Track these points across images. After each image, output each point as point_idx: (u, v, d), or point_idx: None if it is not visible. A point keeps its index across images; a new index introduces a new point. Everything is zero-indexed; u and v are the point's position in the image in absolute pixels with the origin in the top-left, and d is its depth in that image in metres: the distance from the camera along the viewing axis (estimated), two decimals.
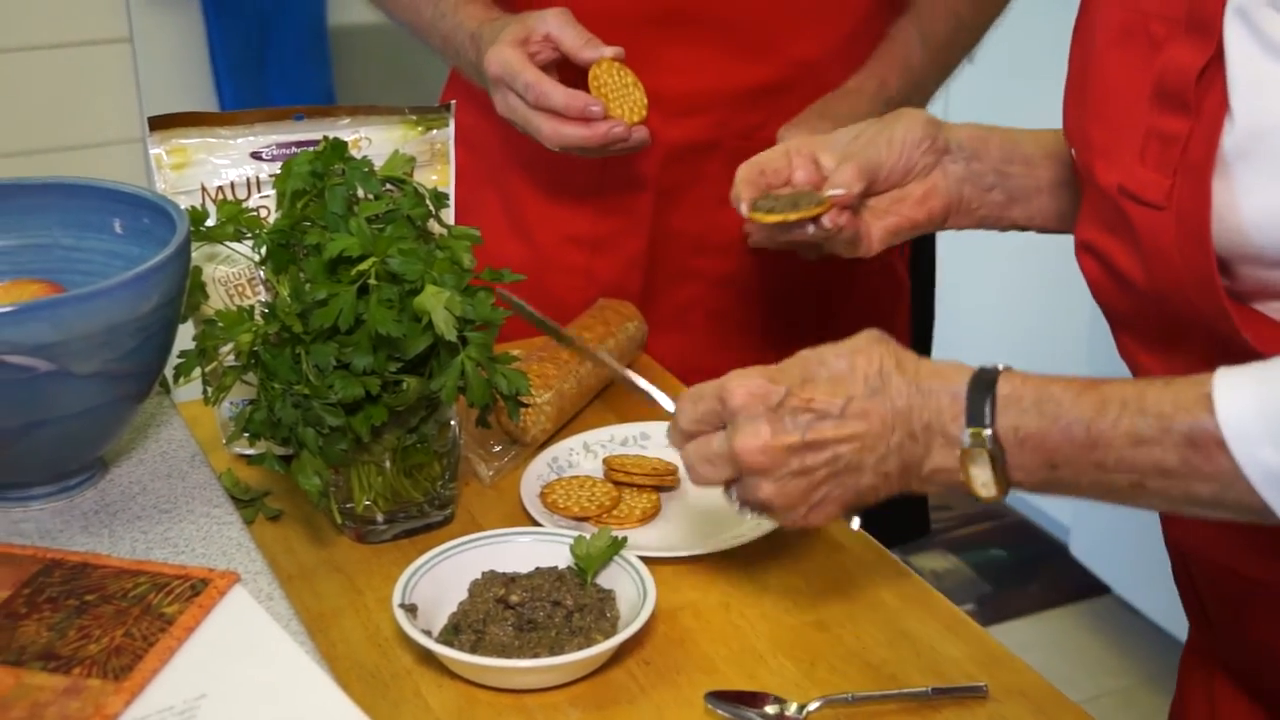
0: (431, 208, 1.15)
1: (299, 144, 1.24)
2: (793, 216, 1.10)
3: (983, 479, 0.89)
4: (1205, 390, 0.81)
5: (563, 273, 1.52)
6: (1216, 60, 0.84)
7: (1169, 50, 0.88)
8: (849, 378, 0.92)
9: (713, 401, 0.96)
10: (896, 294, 1.64)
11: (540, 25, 1.33)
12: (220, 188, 1.23)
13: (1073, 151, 1.01)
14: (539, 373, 1.30)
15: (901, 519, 1.68)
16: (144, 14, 3.04)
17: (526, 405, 1.19)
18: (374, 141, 1.26)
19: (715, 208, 1.42)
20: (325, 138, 1.15)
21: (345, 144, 1.15)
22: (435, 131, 1.29)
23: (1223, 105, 0.84)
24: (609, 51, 1.32)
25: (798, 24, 1.42)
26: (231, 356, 1.11)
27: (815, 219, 1.11)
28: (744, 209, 1.13)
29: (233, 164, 1.23)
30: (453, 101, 1.29)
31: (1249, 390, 0.80)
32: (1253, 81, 0.83)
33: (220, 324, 1.09)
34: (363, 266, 1.05)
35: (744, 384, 0.94)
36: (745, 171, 1.15)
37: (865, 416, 0.91)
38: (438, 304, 1.05)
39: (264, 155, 1.24)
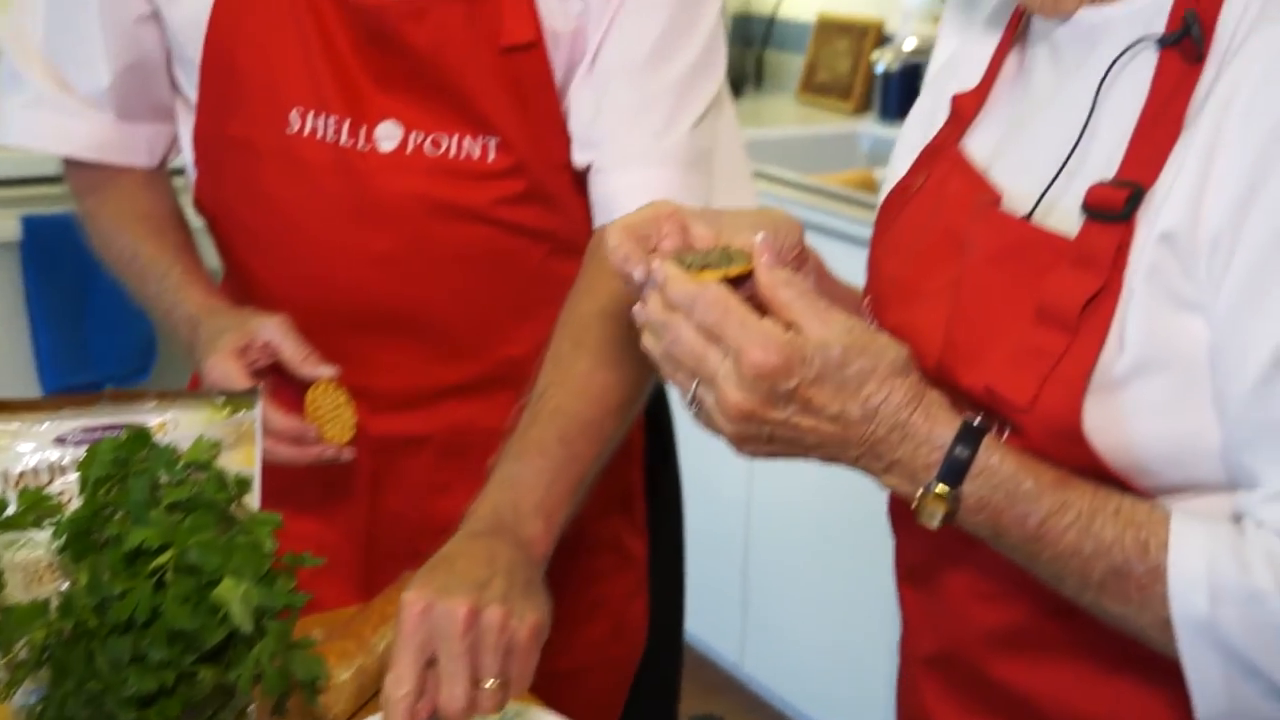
0: (234, 493, 1.18)
1: (105, 428, 1.26)
2: (732, 271, 1.01)
3: (932, 517, 0.95)
4: (1155, 536, 0.91)
5: (295, 540, 1.53)
6: (1103, 292, 0.92)
7: (1055, 276, 0.95)
8: (854, 394, 0.94)
9: (727, 325, 0.94)
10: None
11: (261, 332, 1.38)
12: (22, 473, 1.24)
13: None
14: (339, 650, 1.31)
15: None
16: None
17: (323, 691, 1.21)
18: (181, 424, 1.28)
19: (430, 495, 1.48)
20: (129, 425, 1.18)
21: (149, 432, 1.17)
22: (242, 413, 1.31)
23: (1102, 330, 0.92)
24: (326, 371, 1.38)
25: (505, 324, 1.48)
26: (24, 651, 1.12)
27: (747, 277, 1.01)
28: (623, 270, 1.05)
29: (36, 448, 1.24)
30: (260, 385, 1.33)
31: (1201, 544, 0.89)
32: (1154, 328, 0.91)
33: (13, 620, 1.10)
34: (161, 559, 1.07)
35: (765, 354, 0.92)
36: (616, 234, 1.07)
37: (845, 429, 0.95)
38: (235, 596, 1.07)
39: (68, 440, 1.26)
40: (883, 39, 3.63)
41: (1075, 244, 0.94)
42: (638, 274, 1.03)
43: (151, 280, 1.51)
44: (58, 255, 2.89)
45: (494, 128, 1.40)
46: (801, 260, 1.12)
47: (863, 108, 3.66)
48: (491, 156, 1.41)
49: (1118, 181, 0.94)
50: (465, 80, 1.39)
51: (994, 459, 0.94)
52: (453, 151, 1.41)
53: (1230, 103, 0.88)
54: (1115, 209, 0.92)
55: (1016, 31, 1.10)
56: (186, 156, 1.52)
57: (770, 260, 0.98)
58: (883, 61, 3.52)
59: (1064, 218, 0.97)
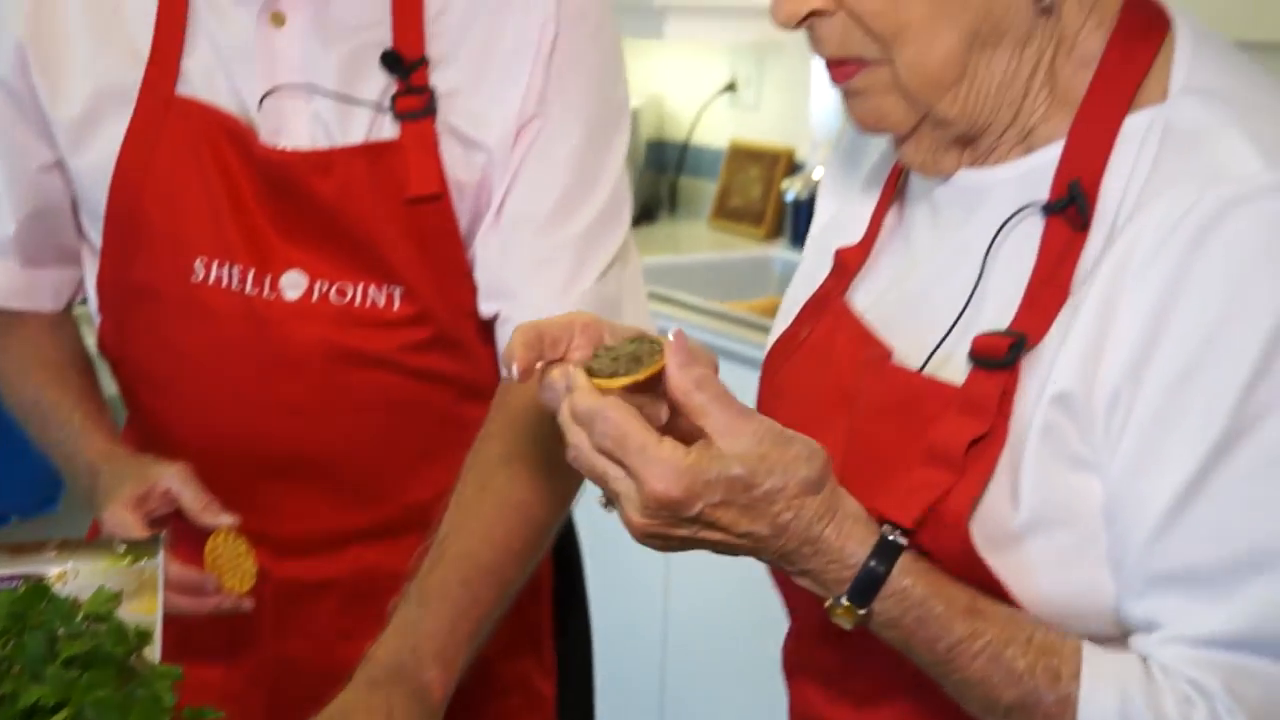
0: (134, 645, 1.17)
1: (3, 580, 1.25)
2: (642, 375, 0.99)
3: (843, 623, 0.95)
4: (1067, 665, 0.91)
5: (197, 688, 1.52)
6: (989, 436, 0.94)
7: (943, 421, 0.97)
8: (762, 514, 0.94)
9: (626, 451, 0.94)
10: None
11: (160, 481, 1.37)
12: None
13: None
14: None
15: None
16: None
17: None
18: (81, 573, 1.27)
19: (336, 640, 1.46)
20: (27, 577, 1.17)
21: (48, 585, 1.16)
22: (144, 561, 1.30)
23: (986, 472, 0.94)
24: (225, 520, 1.37)
25: (412, 469, 1.48)
26: None
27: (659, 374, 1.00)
28: (515, 371, 1.04)
29: None
30: (162, 533, 1.32)
31: (1113, 680, 0.90)
32: (1050, 487, 0.93)
33: None
34: (57, 718, 1.07)
35: (665, 486, 0.92)
36: (523, 335, 1.06)
37: (755, 543, 0.95)
38: None
39: None
40: (793, 167, 3.71)
41: (962, 391, 0.97)
42: (507, 371, 1.03)
43: (53, 427, 1.50)
44: None
45: (399, 277, 1.42)
46: None
47: (774, 234, 3.73)
48: (397, 305, 1.42)
49: (1004, 331, 0.96)
50: (370, 231, 1.41)
51: (906, 581, 0.94)
52: (358, 300, 1.42)
53: (1124, 271, 0.91)
54: (999, 355, 0.95)
55: (896, 189, 1.13)
56: (91, 302, 1.51)
57: (683, 360, 0.96)
58: (793, 189, 3.59)
59: (955, 372, 0.99)
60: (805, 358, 1.11)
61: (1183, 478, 0.89)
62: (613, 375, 0.99)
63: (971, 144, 1.03)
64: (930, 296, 1.04)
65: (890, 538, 0.94)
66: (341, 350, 1.42)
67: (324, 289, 1.42)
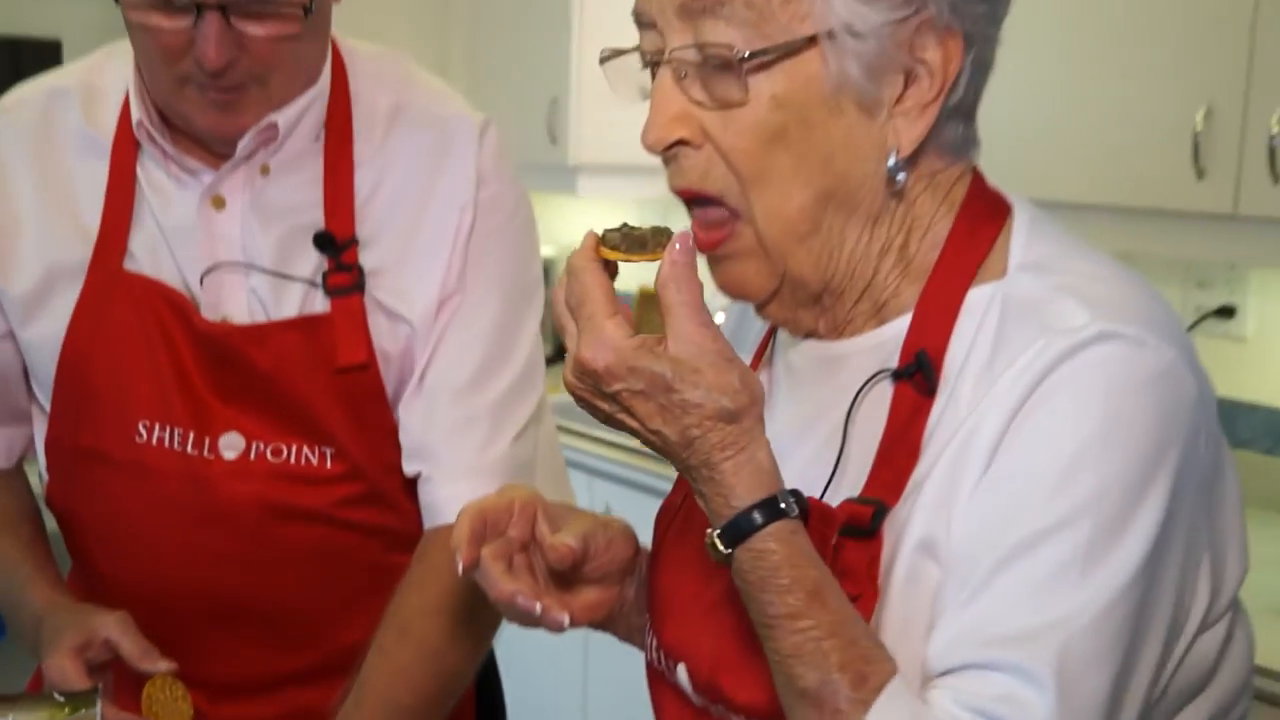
0: None
1: None
2: (635, 258, 0.96)
3: (711, 552, 0.91)
4: (877, 677, 0.87)
5: None
6: (861, 598, 0.92)
7: None
8: (674, 420, 0.90)
9: (581, 311, 0.92)
10: None
11: (101, 629, 1.35)
12: None
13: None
14: None
15: None
16: None
17: None
18: None
19: None
20: None
21: None
22: (83, 712, 1.27)
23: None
24: (163, 666, 1.35)
25: (342, 613, 1.46)
26: None
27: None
28: (460, 564, 1.03)
29: None
30: (100, 685, 1.29)
31: (904, 710, 0.87)
32: (912, 617, 0.92)
33: None
34: None
35: (591, 355, 0.91)
36: (469, 525, 1.05)
37: (663, 443, 0.91)
38: None
39: None
40: None
41: (834, 563, 0.95)
42: (461, 562, 1.02)
43: (1, 576, 1.47)
44: None
45: (330, 438, 1.41)
46: (633, 565, 1.13)
47: None
48: (329, 464, 1.42)
49: (863, 499, 0.95)
50: (303, 397, 1.40)
51: (771, 545, 0.90)
52: (292, 459, 1.41)
53: (977, 425, 0.91)
54: (864, 525, 0.94)
55: (764, 356, 1.13)
56: (40, 459, 1.49)
57: (679, 258, 0.92)
58: None
59: None
60: (680, 526, 1.10)
61: (982, 575, 0.88)
62: (615, 249, 0.96)
63: (827, 310, 1.02)
64: (790, 459, 1.01)
65: (781, 504, 0.90)
66: (276, 506, 1.41)
67: (260, 449, 1.41)
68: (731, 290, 1.01)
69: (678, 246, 0.92)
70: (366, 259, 1.41)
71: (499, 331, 1.44)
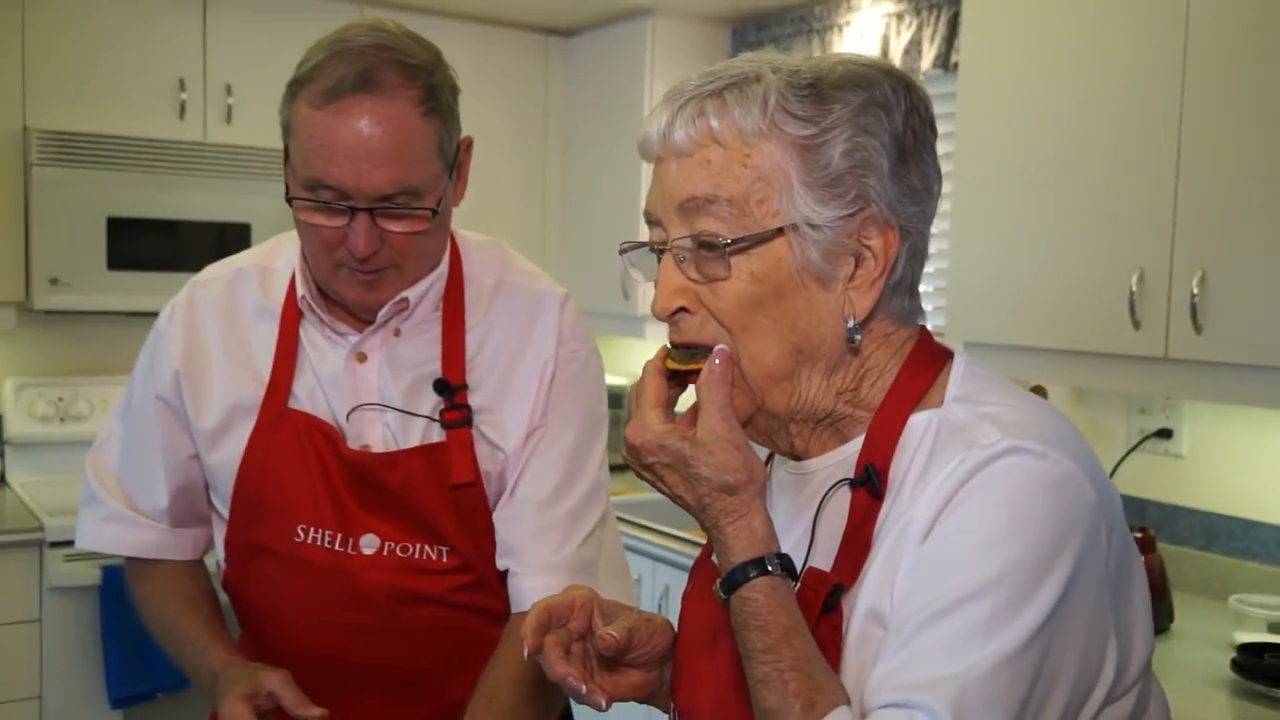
0: None
1: None
2: (684, 367, 1.00)
3: (717, 596, 0.95)
4: (823, 705, 0.87)
5: None
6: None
7: None
8: (691, 489, 0.96)
9: (636, 404, 0.99)
10: None
11: (266, 683, 1.34)
12: None
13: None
14: None
15: None
16: (51, 600, 2.99)
17: None
18: None
19: None
20: None
21: None
22: None
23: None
24: (316, 713, 1.33)
25: (452, 676, 1.47)
26: None
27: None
28: (526, 649, 1.04)
29: None
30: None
31: None
32: (863, 673, 0.91)
33: None
34: None
35: (631, 435, 0.97)
36: (536, 619, 1.06)
37: (687, 506, 0.96)
38: None
39: None
40: None
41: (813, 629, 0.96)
42: (527, 648, 1.04)
43: (185, 643, 1.49)
44: (125, 595, 2.88)
45: (446, 539, 1.44)
46: (670, 653, 1.11)
47: None
48: (445, 559, 1.44)
49: (827, 573, 0.96)
50: (425, 507, 1.43)
51: (756, 595, 0.92)
52: (417, 555, 1.43)
53: (909, 524, 0.92)
54: (825, 602, 0.95)
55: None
56: (219, 553, 1.53)
57: (716, 368, 0.97)
58: None
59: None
60: (691, 604, 1.11)
61: (907, 634, 0.89)
62: (674, 360, 1.01)
63: (795, 435, 1.03)
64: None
65: (769, 565, 0.93)
66: (404, 591, 1.43)
67: (391, 547, 1.43)
68: None
69: (717, 361, 0.97)
70: (473, 400, 1.44)
71: (573, 457, 1.46)
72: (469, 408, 1.44)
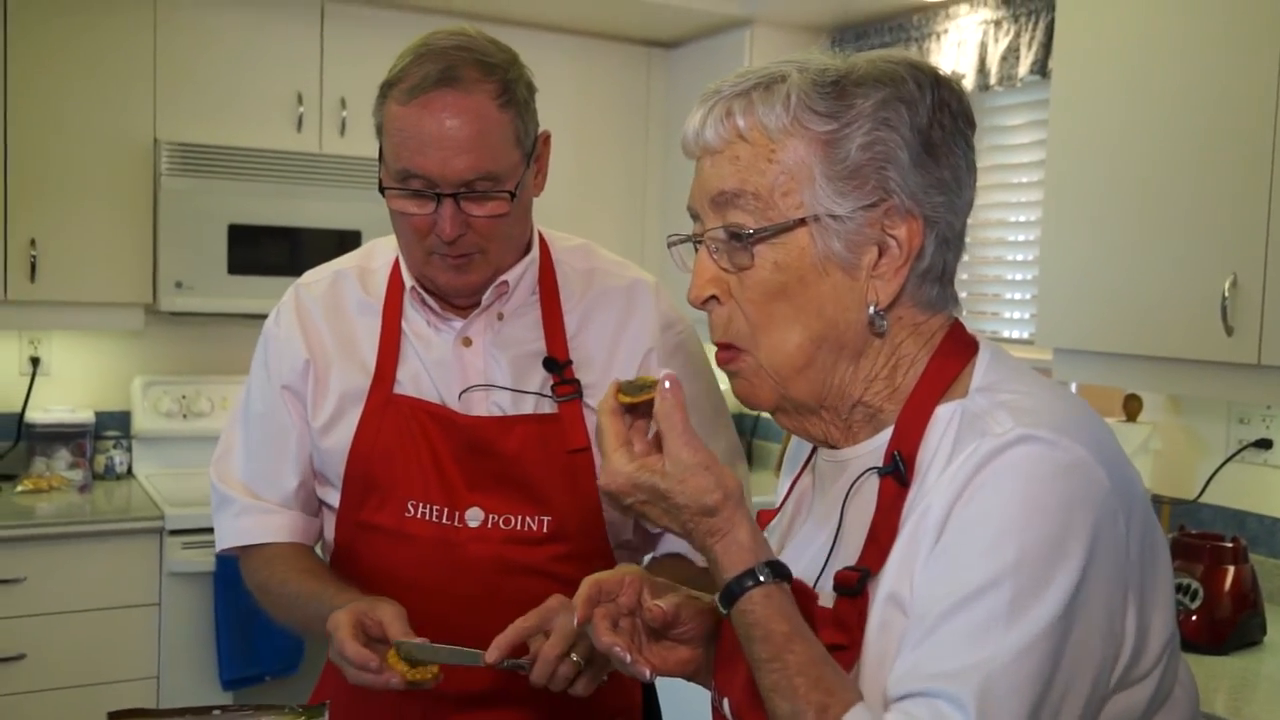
0: None
1: None
2: (637, 399, 1.03)
3: (720, 609, 0.97)
4: (837, 707, 0.90)
5: None
6: (850, 645, 0.96)
7: (820, 634, 0.97)
8: (675, 517, 0.98)
9: (599, 446, 1.01)
10: None
11: (378, 610, 1.34)
12: None
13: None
14: None
15: None
16: (170, 585, 3.13)
17: None
18: None
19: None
20: None
21: None
22: None
23: (848, 667, 0.95)
24: (417, 641, 1.31)
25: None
26: None
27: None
28: (576, 617, 1.10)
29: None
30: (327, 701, 1.35)
31: None
32: (885, 660, 0.93)
33: None
34: None
35: (605, 481, 0.99)
36: (587, 590, 1.11)
37: (676, 534, 0.99)
38: None
39: None
40: None
41: (832, 612, 0.99)
42: (577, 618, 1.09)
43: (311, 603, 1.46)
44: (238, 582, 2.99)
45: (549, 508, 1.49)
46: (716, 632, 1.14)
47: None
48: (545, 529, 1.49)
49: (854, 567, 0.98)
50: (533, 475, 1.48)
51: (752, 607, 0.94)
52: (518, 526, 1.49)
53: (927, 512, 0.94)
54: (851, 586, 0.98)
55: (809, 463, 1.16)
56: (328, 536, 1.59)
57: (665, 394, 0.99)
58: None
59: (827, 598, 1.01)
60: None
61: (929, 624, 0.90)
62: (626, 394, 1.03)
63: (828, 422, 1.05)
64: (814, 537, 1.07)
65: (760, 575, 0.95)
66: (506, 562, 1.49)
67: (495, 519, 1.49)
68: (745, 399, 1.06)
69: (667, 384, 1.00)
70: (579, 376, 1.51)
71: (710, 424, 1.53)
72: (578, 381, 1.52)
